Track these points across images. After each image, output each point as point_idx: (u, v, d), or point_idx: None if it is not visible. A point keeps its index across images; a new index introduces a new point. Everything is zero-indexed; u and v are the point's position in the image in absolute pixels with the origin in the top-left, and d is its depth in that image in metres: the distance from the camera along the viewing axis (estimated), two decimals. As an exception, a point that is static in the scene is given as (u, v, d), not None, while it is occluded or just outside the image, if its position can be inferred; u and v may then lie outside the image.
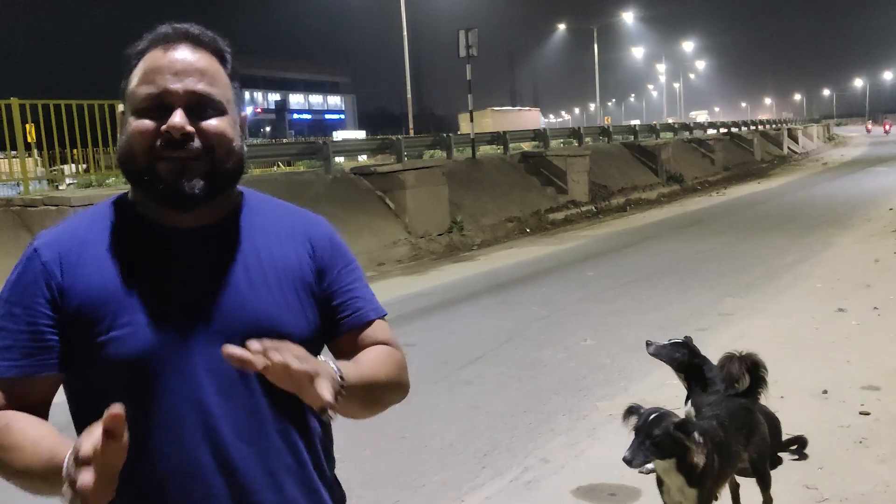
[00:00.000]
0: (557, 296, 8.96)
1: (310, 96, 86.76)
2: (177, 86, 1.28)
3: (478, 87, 20.15)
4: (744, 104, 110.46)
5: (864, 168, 27.54)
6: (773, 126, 46.73)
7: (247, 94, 77.40)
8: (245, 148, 1.39)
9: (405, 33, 29.48)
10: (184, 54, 1.31)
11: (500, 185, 17.38)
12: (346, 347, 1.44)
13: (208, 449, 1.29)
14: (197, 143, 1.29)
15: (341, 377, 1.24)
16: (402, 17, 29.06)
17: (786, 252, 10.88)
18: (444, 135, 19.96)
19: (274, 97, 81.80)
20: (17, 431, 1.24)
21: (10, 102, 9.97)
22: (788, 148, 41.58)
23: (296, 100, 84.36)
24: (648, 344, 3.74)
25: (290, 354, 1.14)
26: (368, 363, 1.38)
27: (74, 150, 11.00)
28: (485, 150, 20.27)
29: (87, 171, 11.41)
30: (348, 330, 1.44)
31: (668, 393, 5.23)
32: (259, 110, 78.07)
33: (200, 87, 1.30)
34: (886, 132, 59.39)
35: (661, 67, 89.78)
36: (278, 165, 17.89)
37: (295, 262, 1.41)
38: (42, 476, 1.18)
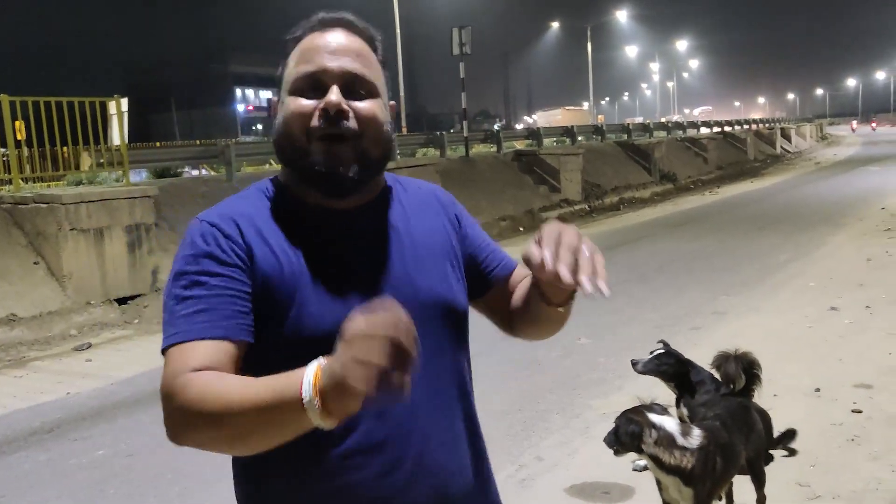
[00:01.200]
0: None
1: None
2: (333, 64, 1.30)
3: (471, 85, 20.17)
4: (737, 103, 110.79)
5: (856, 167, 27.65)
6: (767, 125, 46.86)
7: (238, 92, 77.17)
8: (394, 134, 1.40)
9: (398, 31, 29.47)
10: (339, 37, 1.33)
11: (493, 183, 17.38)
12: (499, 297, 1.50)
13: (399, 419, 1.28)
14: (351, 122, 1.30)
15: None
16: (395, 15, 29.04)
17: (779, 251, 10.91)
18: (438, 133, 19.94)
19: (266, 95, 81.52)
20: (229, 378, 1.16)
21: (0, 99, 9.90)
22: (781, 147, 41.73)
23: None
24: (634, 363, 3.78)
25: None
26: None
27: (65, 148, 10.93)
28: (477, 149, 20.27)
29: (77, 168, 11.34)
30: (500, 280, 1.51)
31: (663, 391, 5.23)
32: (251, 108, 77.85)
33: (356, 66, 1.31)
34: (874, 129, 64.12)
35: (655, 66, 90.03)
36: (270, 164, 17.84)
37: (444, 234, 1.45)
38: (278, 405, 1.05)
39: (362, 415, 1.17)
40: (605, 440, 3.06)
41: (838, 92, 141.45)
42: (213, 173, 15.74)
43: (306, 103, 1.29)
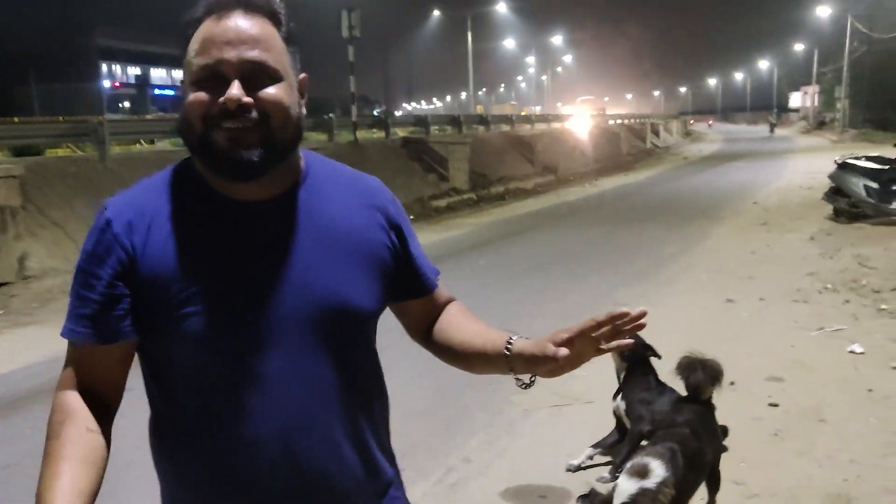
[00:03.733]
0: (454, 285, 8.61)
1: (173, 71, 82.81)
2: (231, 55, 1.25)
3: (357, 70, 19.72)
4: (606, 98, 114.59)
5: (722, 163, 29.04)
6: (638, 121, 48.66)
7: (104, 68, 73.06)
8: (304, 113, 1.35)
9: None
10: (237, 22, 1.27)
11: (383, 170, 17.07)
12: (415, 308, 1.54)
13: (274, 419, 1.31)
14: (254, 113, 1.26)
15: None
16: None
17: (665, 243, 11.20)
18: (326, 116, 19.43)
19: (134, 71, 77.56)
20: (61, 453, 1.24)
21: None
22: (651, 142, 43.44)
23: (158, 74, 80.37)
24: None
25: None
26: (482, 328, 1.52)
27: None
28: (364, 134, 19.90)
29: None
30: (417, 295, 1.52)
31: (580, 384, 5.18)
32: (117, 84, 73.90)
33: (254, 55, 1.26)
34: (710, 126, 73.73)
35: (531, 59, 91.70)
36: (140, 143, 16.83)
37: (365, 232, 1.40)
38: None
39: (243, 410, 1.30)
40: None
41: (700, 90, 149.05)
42: (79, 153, 14.64)
43: (205, 96, 1.26)
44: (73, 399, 1.31)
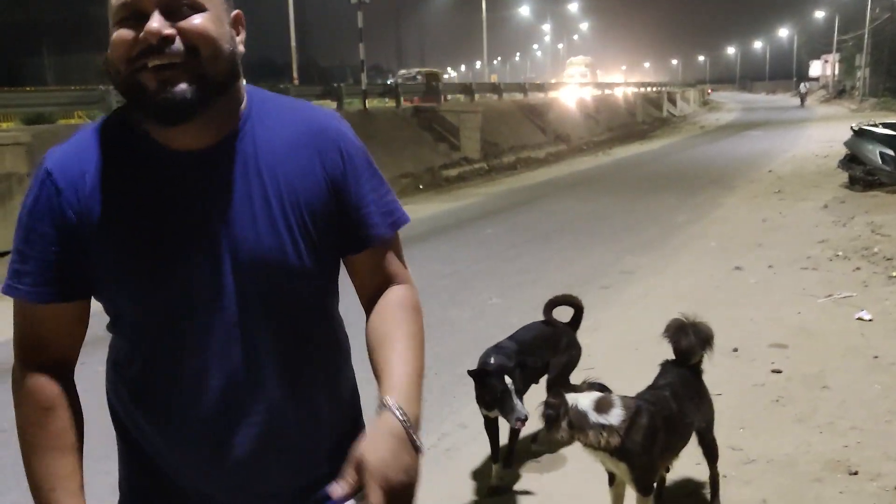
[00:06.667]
0: (459, 254, 8.76)
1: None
2: None
3: (366, 38, 19.51)
4: (624, 67, 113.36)
5: (739, 132, 28.66)
6: (655, 89, 48.10)
7: (118, 37, 72.88)
8: (240, 48, 1.28)
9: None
10: None
11: (393, 140, 16.98)
12: (358, 267, 1.41)
13: (216, 380, 1.28)
14: (178, 44, 1.18)
15: (406, 422, 1.24)
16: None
17: (677, 211, 11.07)
18: (336, 84, 19.29)
19: (147, 41, 77.31)
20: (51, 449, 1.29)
21: None
22: (668, 111, 42.95)
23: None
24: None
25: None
26: (407, 372, 1.33)
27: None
28: (374, 103, 19.75)
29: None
30: (356, 249, 1.38)
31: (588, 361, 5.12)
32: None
33: None
34: (709, 94, 71.11)
35: (546, 27, 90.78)
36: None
37: (305, 180, 1.30)
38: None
39: (182, 370, 1.28)
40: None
41: (719, 59, 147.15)
42: (89, 121, 14.60)
43: (128, 34, 1.18)
44: (46, 381, 1.29)
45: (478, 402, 3.50)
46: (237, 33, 1.28)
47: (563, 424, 2.75)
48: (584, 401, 2.78)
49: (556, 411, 2.76)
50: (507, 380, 3.24)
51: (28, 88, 18.58)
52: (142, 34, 1.17)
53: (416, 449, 1.23)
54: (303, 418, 1.36)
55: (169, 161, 1.25)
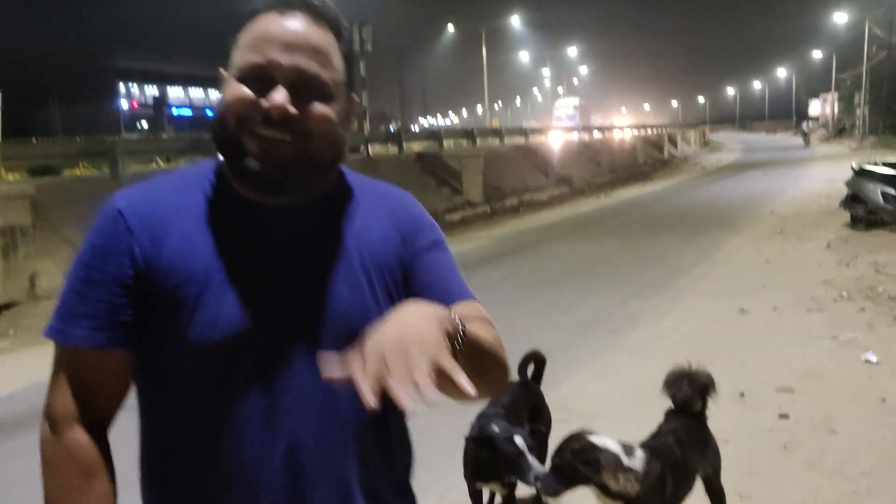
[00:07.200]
0: None
1: (190, 90, 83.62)
2: (285, 60, 1.15)
3: (368, 85, 19.81)
4: (623, 108, 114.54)
5: (740, 172, 28.82)
6: (655, 131, 48.48)
7: (122, 88, 73.92)
8: (348, 136, 1.25)
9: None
10: (299, 25, 1.17)
11: (396, 185, 17.09)
12: None
13: (278, 449, 1.18)
14: (296, 126, 1.15)
15: (462, 328, 1.09)
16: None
17: (680, 253, 11.08)
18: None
19: (151, 91, 78.41)
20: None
21: None
22: (669, 152, 43.22)
23: (175, 94, 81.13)
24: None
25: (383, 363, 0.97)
26: (476, 325, 1.17)
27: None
28: (377, 149, 19.91)
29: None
30: None
31: (586, 401, 5.10)
32: (135, 104, 74.69)
33: (310, 66, 1.16)
34: (707, 134, 71.56)
35: (546, 71, 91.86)
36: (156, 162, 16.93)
37: (386, 248, 1.28)
38: None
39: (245, 435, 1.17)
40: (542, 489, 2.83)
41: (718, 100, 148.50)
42: (96, 172, 14.77)
43: (249, 94, 1.15)
44: (87, 441, 1.19)
45: (473, 475, 3.26)
46: (349, 120, 1.27)
47: (606, 466, 2.68)
48: (610, 443, 2.75)
49: (594, 454, 2.68)
50: (518, 440, 3.07)
51: (34, 140, 18.84)
52: (265, 103, 1.14)
53: (453, 336, 1.06)
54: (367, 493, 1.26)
55: (256, 214, 1.21)
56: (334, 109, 1.19)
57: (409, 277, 1.29)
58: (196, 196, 1.22)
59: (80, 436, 1.19)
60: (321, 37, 1.18)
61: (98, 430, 1.22)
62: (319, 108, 1.16)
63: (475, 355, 1.12)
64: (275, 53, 1.14)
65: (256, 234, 1.21)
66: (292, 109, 1.14)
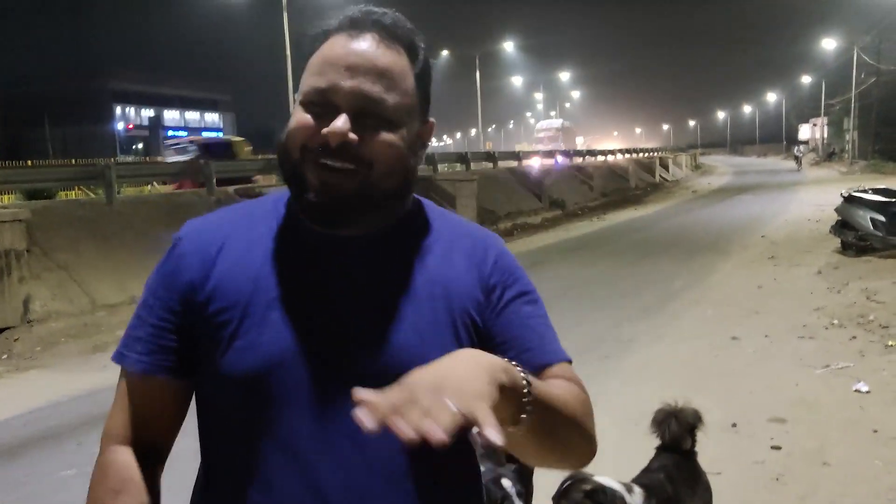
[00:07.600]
0: None
1: (186, 113, 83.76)
2: (346, 84, 1.08)
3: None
4: (615, 133, 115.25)
5: (731, 196, 28.96)
6: (647, 154, 48.73)
7: (118, 110, 74.07)
8: (418, 162, 1.17)
9: (288, 51, 28.90)
10: (366, 46, 1.10)
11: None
12: None
13: (307, 496, 1.08)
14: (357, 153, 1.08)
15: (527, 384, 0.98)
16: (285, 35, 28.49)
17: (673, 277, 11.12)
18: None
19: (147, 113, 78.54)
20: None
21: None
22: (660, 176, 43.41)
23: (170, 116, 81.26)
24: None
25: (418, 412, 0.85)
26: (553, 385, 1.10)
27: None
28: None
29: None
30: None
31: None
32: (131, 127, 74.83)
33: (374, 90, 1.08)
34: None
35: (539, 96, 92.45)
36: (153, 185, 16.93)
37: (462, 292, 1.17)
38: None
39: (280, 480, 1.09)
40: None
41: (709, 124, 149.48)
42: (91, 196, 14.76)
43: (310, 122, 1.09)
44: (129, 462, 1.16)
45: None
46: (422, 145, 1.19)
47: None
48: (614, 483, 2.74)
49: (606, 496, 2.63)
50: (506, 483, 2.99)
51: (29, 163, 18.85)
52: (325, 130, 1.07)
53: (516, 391, 0.95)
54: None
55: (317, 242, 1.16)
56: (401, 135, 1.11)
57: (489, 329, 1.17)
58: (258, 223, 1.19)
59: (119, 456, 1.17)
60: (390, 58, 1.10)
61: (147, 454, 1.18)
62: (383, 135, 1.09)
63: (547, 418, 1.02)
64: (337, 77, 1.08)
65: (311, 264, 1.15)
66: (351, 136, 1.07)
